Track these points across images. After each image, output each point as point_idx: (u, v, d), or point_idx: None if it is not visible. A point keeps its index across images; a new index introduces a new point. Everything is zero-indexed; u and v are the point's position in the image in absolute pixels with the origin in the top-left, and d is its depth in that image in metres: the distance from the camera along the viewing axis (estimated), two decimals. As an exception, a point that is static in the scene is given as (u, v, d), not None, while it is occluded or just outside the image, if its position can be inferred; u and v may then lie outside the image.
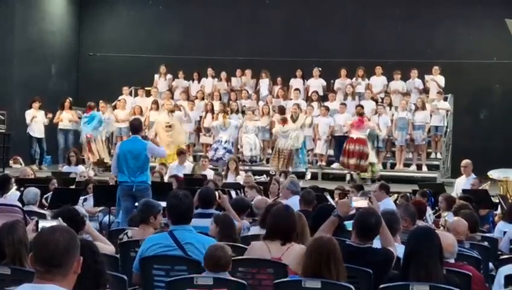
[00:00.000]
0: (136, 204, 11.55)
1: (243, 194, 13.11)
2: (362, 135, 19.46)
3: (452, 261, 6.49)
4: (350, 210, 7.03)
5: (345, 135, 20.10)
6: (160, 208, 8.13)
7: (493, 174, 15.03)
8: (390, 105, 21.26)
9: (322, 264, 5.69)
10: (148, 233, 7.69)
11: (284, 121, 19.86)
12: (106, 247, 7.33)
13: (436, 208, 12.86)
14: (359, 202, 7.09)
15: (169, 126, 19.78)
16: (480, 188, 14.28)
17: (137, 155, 12.10)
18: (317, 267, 5.71)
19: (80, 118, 21.28)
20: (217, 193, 9.00)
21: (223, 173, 17.58)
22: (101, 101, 21.26)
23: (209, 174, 16.85)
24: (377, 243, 6.68)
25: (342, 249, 6.10)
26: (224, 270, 6.04)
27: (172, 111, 20.31)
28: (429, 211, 12.11)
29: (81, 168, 17.52)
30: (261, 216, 8.67)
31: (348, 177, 19.78)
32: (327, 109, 20.81)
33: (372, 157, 19.67)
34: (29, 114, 20.93)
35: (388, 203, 11.19)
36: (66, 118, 21.28)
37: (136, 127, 12.65)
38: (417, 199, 12.70)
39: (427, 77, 21.70)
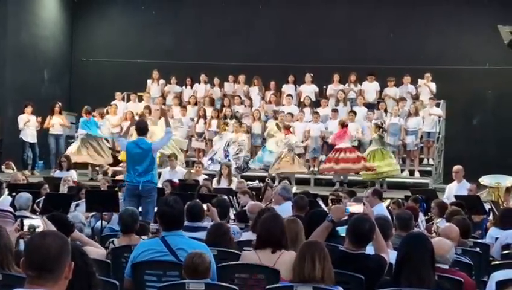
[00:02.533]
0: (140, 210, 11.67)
1: (235, 200, 13.13)
2: (347, 143, 19.51)
3: (446, 267, 6.49)
4: (344, 215, 7.01)
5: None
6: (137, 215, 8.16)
7: (485, 180, 15.02)
8: (385, 111, 21.27)
9: (307, 263, 5.71)
10: (135, 240, 7.70)
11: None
12: (97, 250, 7.34)
13: (429, 214, 12.87)
14: (354, 207, 7.04)
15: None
16: (478, 194, 14.28)
17: (143, 156, 12.21)
18: (305, 271, 5.72)
19: (73, 123, 21.26)
20: (205, 205, 8.94)
21: (216, 178, 17.59)
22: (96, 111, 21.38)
23: (201, 179, 16.90)
24: (370, 249, 6.67)
25: (335, 255, 6.11)
26: (204, 277, 6.02)
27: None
28: (421, 217, 12.13)
29: (72, 173, 17.47)
30: (253, 221, 8.66)
31: (337, 185, 19.65)
32: (318, 115, 20.82)
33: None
34: (22, 119, 20.90)
35: (381, 209, 11.19)
36: (56, 123, 21.27)
37: (142, 128, 12.75)
38: (409, 204, 12.72)
39: (420, 82, 21.74)
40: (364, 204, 7.20)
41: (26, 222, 5.62)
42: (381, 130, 19.60)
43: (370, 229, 6.50)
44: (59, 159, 18.62)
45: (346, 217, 7.01)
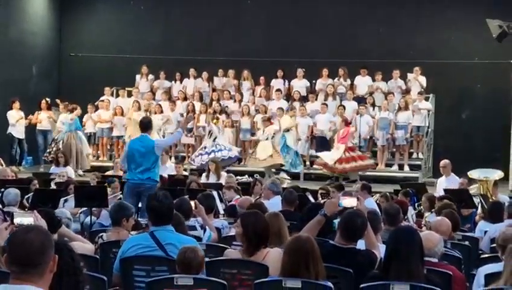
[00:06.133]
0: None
1: (223, 195, 13.11)
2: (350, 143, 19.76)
3: (435, 260, 6.49)
4: (337, 210, 6.95)
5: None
6: (132, 211, 8.11)
7: (473, 174, 15.06)
8: (373, 105, 21.31)
9: (300, 264, 5.68)
10: (123, 235, 7.67)
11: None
12: (85, 246, 7.32)
13: (419, 207, 12.90)
14: (347, 201, 6.97)
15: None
16: (469, 188, 14.32)
17: (145, 153, 12.22)
18: (295, 267, 5.70)
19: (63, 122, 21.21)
20: (193, 202, 8.90)
21: (205, 173, 17.60)
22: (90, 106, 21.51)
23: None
24: (361, 244, 6.65)
25: (325, 249, 6.10)
26: (197, 272, 6.00)
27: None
28: (411, 211, 12.14)
29: (68, 169, 17.46)
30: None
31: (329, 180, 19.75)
32: (304, 108, 20.86)
33: None
34: (11, 115, 20.90)
35: (370, 203, 11.18)
36: (44, 119, 21.28)
37: (145, 125, 12.73)
38: (399, 198, 12.75)
39: (409, 76, 21.77)
40: (358, 199, 7.14)
41: (17, 219, 5.58)
42: None
43: (362, 224, 6.49)
44: (56, 154, 18.61)
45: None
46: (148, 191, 11.77)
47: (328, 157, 19.79)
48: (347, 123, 20.00)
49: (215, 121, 20.69)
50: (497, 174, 15.04)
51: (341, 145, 19.73)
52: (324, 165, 19.92)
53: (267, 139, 20.12)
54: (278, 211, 7.96)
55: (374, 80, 22.12)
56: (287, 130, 20.23)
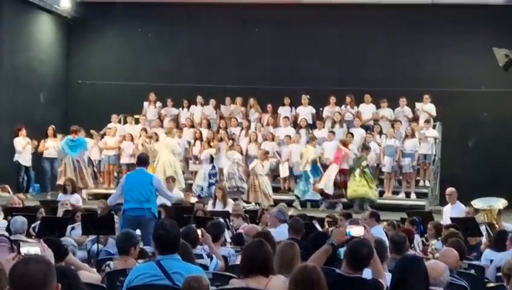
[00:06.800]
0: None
1: (230, 223, 13.12)
2: (345, 165, 19.74)
3: (441, 289, 6.48)
4: (345, 239, 6.92)
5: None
6: (139, 239, 8.11)
7: (477, 203, 15.01)
8: (380, 133, 21.32)
9: None
10: (130, 263, 7.67)
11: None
12: (91, 275, 7.33)
13: (425, 235, 12.88)
14: (355, 230, 6.89)
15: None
16: (474, 216, 14.27)
17: (143, 184, 12.33)
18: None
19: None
20: (199, 231, 8.91)
21: (211, 201, 17.60)
22: (92, 131, 21.44)
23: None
24: (367, 273, 6.64)
25: (332, 278, 6.07)
26: None
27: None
28: (417, 238, 12.14)
29: (76, 196, 17.46)
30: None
31: (337, 207, 19.75)
32: (315, 138, 20.86)
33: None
34: (18, 142, 20.91)
35: (377, 232, 11.17)
36: (51, 146, 21.32)
37: (142, 159, 12.92)
38: (406, 227, 12.73)
39: (417, 106, 21.78)
40: (365, 228, 7.11)
41: (24, 249, 5.58)
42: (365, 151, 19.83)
43: (368, 254, 6.46)
44: (63, 182, 18.61)
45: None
46: (146, 223, 11.81)
47: (322, 183, 19.81)
48: (344, 144, 19.94)
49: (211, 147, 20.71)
50: (501, 202, 14.98)
51: (334, 166, 19.72)
52: (321, 192, 19.93)
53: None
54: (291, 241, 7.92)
55: (379, 108, 22.15)
56: (315, 161, 20.17)
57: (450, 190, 16.04)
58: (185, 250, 7.29)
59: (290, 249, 7.12)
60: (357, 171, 19.52)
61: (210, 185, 19.95)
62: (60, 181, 19.98)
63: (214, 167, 20.28)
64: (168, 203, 15.25)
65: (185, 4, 25.46)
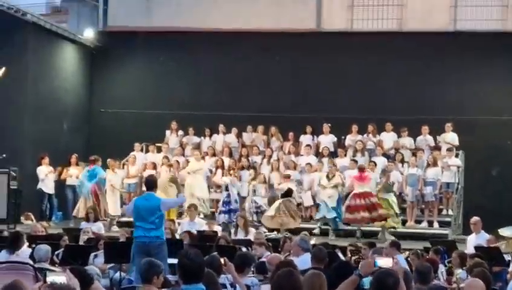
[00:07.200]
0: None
1: (252, 251, 13.07)
2: (366, 188, 19.45)
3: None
4: (373, 270, 6.85)
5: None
6: (162, 267, 8.08)
7: (504, 231, 14.93)
8: (402, 161, 21.25)
9: None
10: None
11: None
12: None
13: (449, 265, 12.79)
14: (383, 262, 6.80)
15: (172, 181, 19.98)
16: (495, 245, 14.17)
17: (151, 211, 12.19)
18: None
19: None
20: (222, 260, 8.88)
21: (233, 230, 17.58)
22: (109, 160, 21.48)
23: (218, 230, 16.94)
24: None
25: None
26: None
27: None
28: (441, 268, 12.04)
29: (99, 224, 17.53)
30: (272, 274, 8.59)
31: (357, 233, 19.66)
32: (336, 165, 20.82)
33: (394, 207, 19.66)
34: (41, 170, 21.08)
35: (400, 261, 11.10)
36: (73, 174, 21.45)
37: (151, 183, 12.79)
38: (430, 256, 12.65)
39: (439, 138, 21.75)
40: (393, 258, 7.02)
41: (50, 278, 5.58)
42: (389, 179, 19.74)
43: (394, 284, 6.40)
44: (86, 210, 18.70)
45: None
46: (157, 249, 11.76)
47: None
48: (361, 170, 19.84)
49: (231, 175, 20.70)
50: (529, 231, 14.90)
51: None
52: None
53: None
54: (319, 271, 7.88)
55: (399, 136, 22.10)
56: (335, 187, 20.11)
57: (474, 219, 15.94)
58: (211, 279, 7.26)
59: (318, 279, 7.07)
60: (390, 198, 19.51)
61: (220, 212, 20.00)
62: (75, 211, 20.39)
63: (228, 195, 20.26)
64: (193, 231, 15.30)
65: (206, 33, 25.61)
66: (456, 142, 21.54)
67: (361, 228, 19.84)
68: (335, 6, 25.60)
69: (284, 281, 6.50)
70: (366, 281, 6.91)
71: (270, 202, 20.21)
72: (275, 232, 19.11)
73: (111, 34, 26.59)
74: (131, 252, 12.12)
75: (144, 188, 20.92)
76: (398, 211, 19.79)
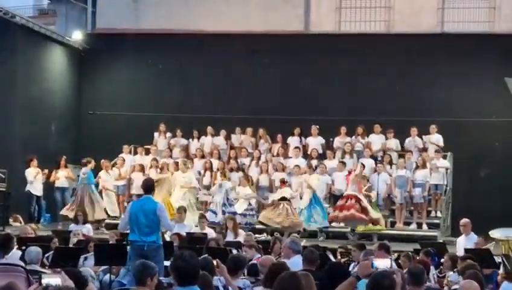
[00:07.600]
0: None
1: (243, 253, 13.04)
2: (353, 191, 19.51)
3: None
4: (371, 271, 6.83)
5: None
6: (156, 270, 8.07)
7: (494, 233, 14.93)
8: (390, 163, 21.28)
9: None
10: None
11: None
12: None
13: (441, 267, 12.80)
14: (381, 262, 6.80)
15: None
16: (485, 247, 14.20)
17: (148, 215, 12.16)
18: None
19: (78, 175, 21.41)
20: (214, 261, 8.85)
21: (223, 231, 17.54)
22: (103, 161, 21.48)
23: (209, 232, 16.86)
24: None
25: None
26: None
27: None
28: (433, 270, 12.05)
29: (88, 226, 17.53)
30: (265, 276, 8.58)
31: (350, 236, 19.68)
32: (325, 167, 20.83)
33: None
34: (30, 173, 21.01)
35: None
36: (62, 176, 21.41)
37: (148, 187, 12.78)
38: (421, 258, 12.65)
39: (425, 138, 21.79)
40: (391, 259, 7.00)
41: (45, 280, 5.57)
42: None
43: (390, 285, 6.41)
44: (75, 213, 18.68)
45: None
46: (153, 253, 11.73)
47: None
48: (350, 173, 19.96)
49: (222, 177, 20.63)
50: (519, 233, 14.89)
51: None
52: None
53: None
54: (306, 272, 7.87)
55: (387, 138, 22.16)
56: (309, 187, 20.11)
57: (464, 220, 15.97)
58: (206, 281, 7.24)
59: (308, 281, 7.04)
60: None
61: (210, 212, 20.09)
62: (64, 211, 20.39)
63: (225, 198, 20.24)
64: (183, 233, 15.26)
65: (194, 35, 25.61)
66: (441, 143, 21.58)
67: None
68: (323, 9, 25.64)
69: (287, 284, 6.49)
70: (362, 283, 6.90)
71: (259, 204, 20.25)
72: (264, 234, 19.10)
73: (99, 36, 26.56)
74: (128, 255, 12.11)
75: (133, 191, 21.55)
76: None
